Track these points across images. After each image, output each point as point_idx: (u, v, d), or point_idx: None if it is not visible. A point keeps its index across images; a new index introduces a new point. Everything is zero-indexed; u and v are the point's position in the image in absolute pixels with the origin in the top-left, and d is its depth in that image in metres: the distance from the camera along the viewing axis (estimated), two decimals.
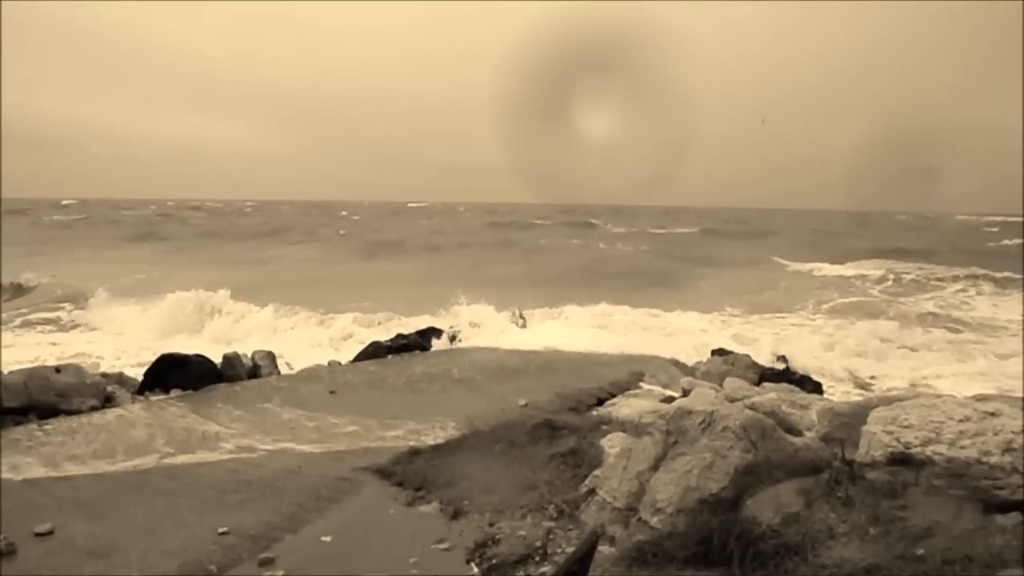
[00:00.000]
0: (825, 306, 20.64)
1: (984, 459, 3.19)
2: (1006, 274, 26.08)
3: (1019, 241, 41.41)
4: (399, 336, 13.14)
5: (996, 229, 58.69)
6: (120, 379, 8.99)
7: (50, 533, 4.46)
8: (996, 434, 3.26)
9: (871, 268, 29.08)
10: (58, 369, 7.94)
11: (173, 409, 7.86)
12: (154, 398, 8.46)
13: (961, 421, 3.42)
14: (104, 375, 8.78)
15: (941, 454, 3.31)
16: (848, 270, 29.11)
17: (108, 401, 8.11)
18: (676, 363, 11.60)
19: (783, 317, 18.99)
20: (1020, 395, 5.41)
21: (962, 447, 3.29)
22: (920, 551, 2.88)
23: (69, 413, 7.49)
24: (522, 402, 8.13)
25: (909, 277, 27.08)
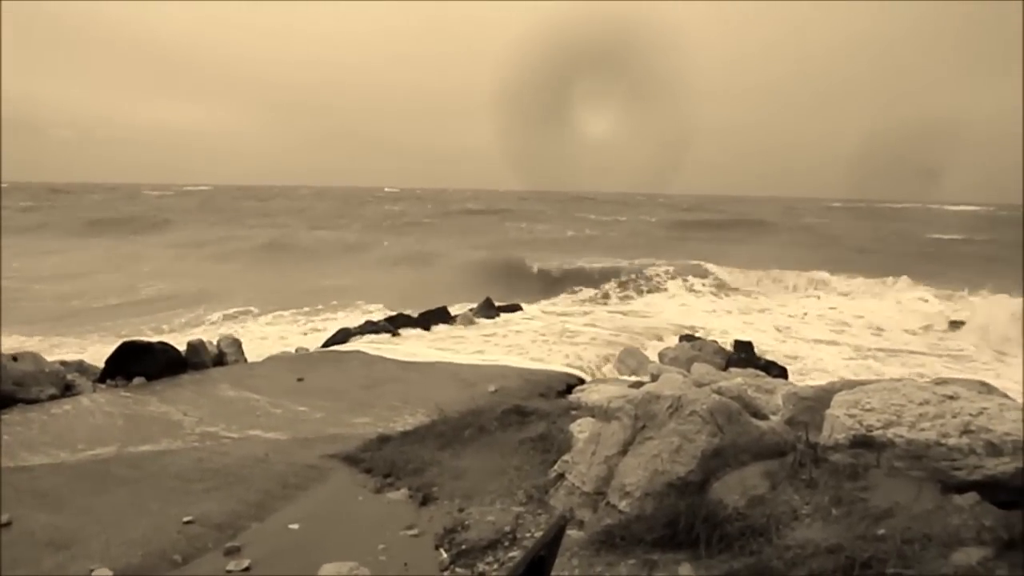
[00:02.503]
0: None
1: (943, 441, 3.27)
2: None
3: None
4: (368, 323, 13.06)
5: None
6: (80, 367, 8.79)
7: (8, 525, 4.36)
8: (954, 417, 3.34)
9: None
10: (15, 357, 7.72)
11: (136, 397, 7.71)
12: (116, 386, 8.28)
13: (921, 404, 3.49)
14: (63, 363, 8.56)
15: (902, 436, 3.38)
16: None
17: (68, 389, 7.92)
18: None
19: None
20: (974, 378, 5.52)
21: (922, 429, 3.36)
22: (881, 531, 2.94)
23: (27, 402, 7.31)
24: (492, 388, 8.14)
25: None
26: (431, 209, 64.16)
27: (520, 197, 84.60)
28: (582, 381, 9.14)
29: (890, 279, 21.85)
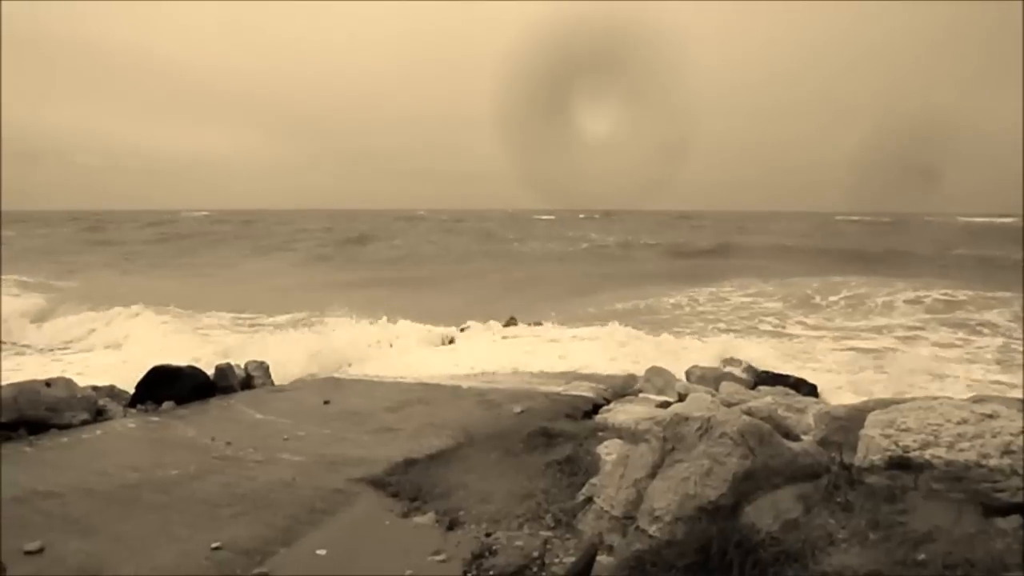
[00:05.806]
0: None
1: (983, 462, 3.18)
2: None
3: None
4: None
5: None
6: (111, 392, 8.90)
7: (40, 551, 4.39)
8: (994, 436, 3.25)
9: None
10: (48, 383, 7.83)
11: (165, 422, 7.79)
12: (146, 411, 8.38)
13: (959, 423, 3.40)
14: (95, 388, 8.68)
15: (940, 457, 3.29)
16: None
17: (99, 415, 8.01)
18: None
19: None
20: (1017, 396, 5.41)
21: (961, 450, 3.27)
22: (921, 556, 2.85)
23: (60, 427, 7.41)
24: (518, 409, 8.09)
25: None
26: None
27: (540, 216, 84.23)
28: (608, 401, 9.06)
29: None
